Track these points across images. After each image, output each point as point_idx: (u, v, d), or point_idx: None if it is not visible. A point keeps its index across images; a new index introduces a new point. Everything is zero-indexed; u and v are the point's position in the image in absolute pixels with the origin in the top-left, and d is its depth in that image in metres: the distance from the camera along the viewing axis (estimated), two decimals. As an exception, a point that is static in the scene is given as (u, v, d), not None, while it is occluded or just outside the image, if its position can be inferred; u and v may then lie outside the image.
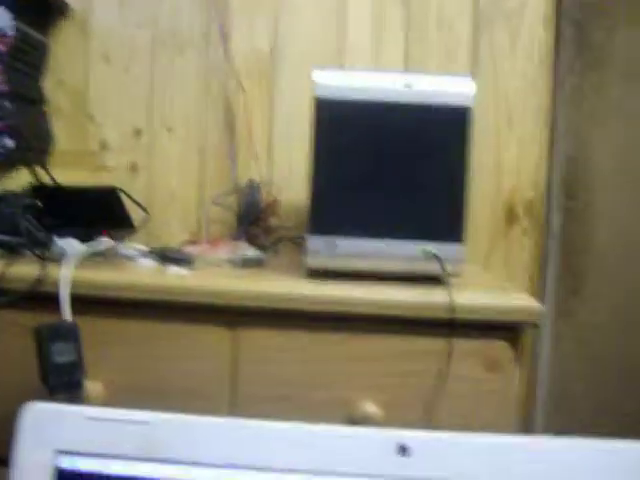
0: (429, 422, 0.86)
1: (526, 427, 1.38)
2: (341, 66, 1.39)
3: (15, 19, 1.22)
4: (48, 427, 0.44)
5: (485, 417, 0.91)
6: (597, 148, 1.35)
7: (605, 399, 1.34)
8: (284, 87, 1.40)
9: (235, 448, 0.43)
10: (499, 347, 0.91)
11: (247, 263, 1.06)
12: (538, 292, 1.38)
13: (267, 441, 0.44)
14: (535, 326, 0.91)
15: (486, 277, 1.20)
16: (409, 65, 1.39)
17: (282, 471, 0.43)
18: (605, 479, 0.45)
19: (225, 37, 1.38)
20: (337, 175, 0.93)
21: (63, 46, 1.42)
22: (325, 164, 0.93)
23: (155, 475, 0.42)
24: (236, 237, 1.30)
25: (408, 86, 0.92)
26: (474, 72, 1.38)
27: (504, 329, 0.91)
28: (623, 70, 1.35)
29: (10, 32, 1.21)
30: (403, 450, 0.44)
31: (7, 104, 1.20)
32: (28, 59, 1.32)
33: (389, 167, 0.93)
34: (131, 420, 0.43)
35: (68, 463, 0.43)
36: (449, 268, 0.91)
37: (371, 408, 0.90)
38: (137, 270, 0.99)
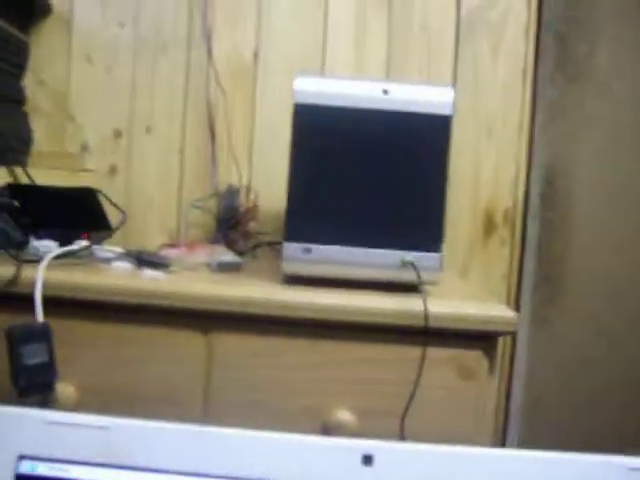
0: (403, 430, 0.86)
1: (501, 435, 1.39)
2: (323, 71, 1.39)
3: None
4: (8, 431, 0.43)
5: (460, 426, 0.91)
6: (575, 160, 1.36)
7: (580, 407, 1.34)
8: (266, 91, 1.40)
9: (195, 456, 0.43)
10: (474, 356, 0.91)
11: (224, 267, 1.06)
12: (515, 301, 1.39)
13: (229, 449, 0.43)
14: (510, 334, 0.92)
15: (463, 286, 1.20)
16: (391, 72, 1.39)
17: None
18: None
19: (208, 39, 1.38)
20: (314, 181, 0.93)
21: (45, 45, 1.41)
22: (303, 170, 0.93)
23: (115, 481, 0.42)
24: (215, 241, 1.30)
25: (386, 93, 0.92)
26: (455, 81, 1.38)
27: (479, 338, 0.92)
28: (604, 84, 1.36)
29: (-13, 29, 1.20)
30: (368, 460, 0.44)
31: (-15, 102, 1.19)
32: (8, 57, 1.31)
33: (367, 174, 0.93)
34: (91, 425, 0.43)
35: (28, 468, 0.43)
36: (425, 276, 0.91)
37: (345, 416, 0.90)
38: (112, 272, 0.98)
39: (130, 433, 0.43)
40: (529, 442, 1.35)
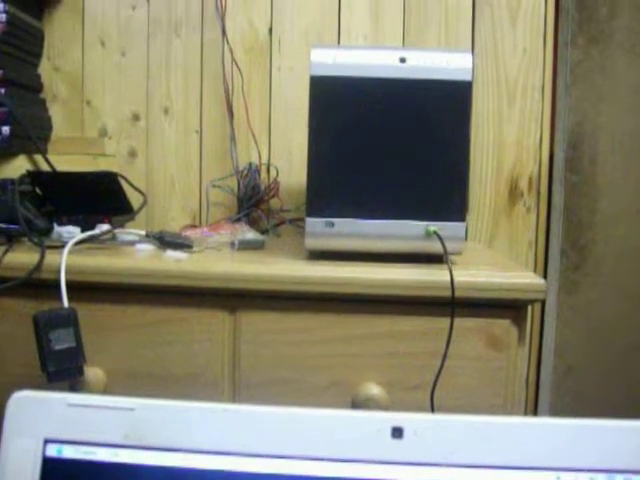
0: (433, 403, 0.85)
1: (532, 405, 1.38)
2: (339, 44, 1.37)
3: (7, 4, 1.21)
4: (34, 416, 0.43)
5: (490, 397, 0.90)
6: (600, 122, 1.33)
7: (612, 373, 1.33)
8: (282, 67, 1.38)
9: (223, 434, 0.42)
10: (503, 325, 0.90)
11: (247, 246, 1.05)
12: (542, 268, 1.37)
13: (256, 427, 0.43)
14: (539, 302, 0.90)
15: (489, 255, 1.18)
16: (408, 43, 1.37)
17: (272, 457, 0.42)
18: (604, 460, 0.44)
19: (222, 17, 1.36)
20: (334, 155, 0.92)
21: (58, 32, 1.41)
22: (322, 144, 0.92)
23: (142, 462, 0.42)
24: (237, 220, 1.30)
25: (403, 61, 0.90)
26: (474, 48, 1.36)
27: (508, 307, 0.90)
28: (626, 44, 1.33)
29: (2, 17, 1.20)
30: (398, 433, 0.44)
31: (2, 90, 1.19)
32: (22, 45, 1.31)
33: (387, 145, 0.91)
34: (116, 407, 0.42)
35: (54, 451, 0.43)
36: (450, 246, 0.90)
37: (374, 390, 0.90)
38: (135, 255, 0.98)
39: (156, 414, 0.43)
40: (561, 411, 1.34)
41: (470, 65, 0.91)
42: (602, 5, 1.33)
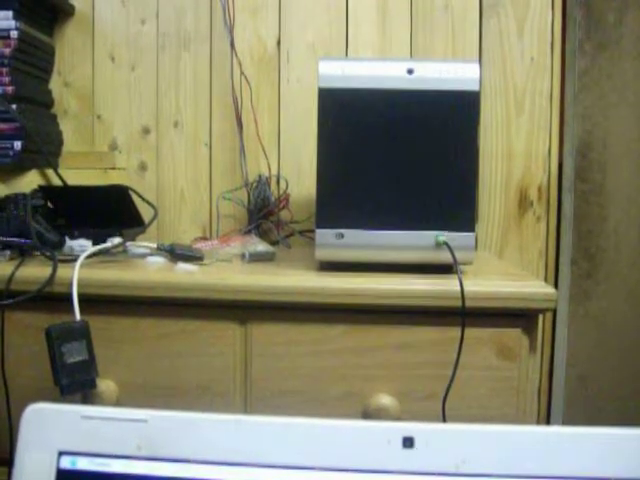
0: (444, 413, 0.85)
1: (545, 415, 1.37)
2: (347, 56, 1.38)
3: (18, 20, 1.22)
4: (48, 428, 0.43)
5: (502, 407, 0.90)
6: (609, 130, 1.33)
7: (624, 383, 1.32)
8: (290, 79, 1.39)
9: (235, 445, 0.43)
10: (514, 335, 0.90)
11: (258, 258, 1.06)
12: (553, 277, 1.37)
13: (269, 437, 0.43)
14: (550, 311, 0.90)
15: (499, 264, 1.18)
16: (415, 52, 1.37)
17: (284, 467, 0.42)
18: (619, 469, 0.44)
19: (230, 30, 1.37)
20: (343, 166, 0.92)
21: (69, 47, 1.42)
22: (331, 155, 0.92)
23: (156, 473, 0.42)
24: (247, 232, 1.30)
25: (411, 72, 0.91)
26: (482, 58, 1.36)
27: (519, 316, 0.90)
28: (634, 51, 1.33)
29: (13, 33, 1.22)
30: (409, 442, 0.44)
31: (14, 106, 1.20)
32: (34, 61, 1.32)
33: (396, 156, 0.92)
34: (129, 418, 0.43)
35: (69, 463, 0.43)
36: (460, 256, 0.90)
37: (385, 400, 0.90)
38: (147, 268, 0.98)
39: (168, 425, 0.43)
40: (574, 421, 1.33)
41: (477, 75, 0.91)
42: (609, 11, 1.33)
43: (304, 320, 0.92)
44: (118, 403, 0.92)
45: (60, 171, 1.26)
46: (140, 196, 1.14)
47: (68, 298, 0.88)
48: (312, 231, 1.26)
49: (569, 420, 1.34)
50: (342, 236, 0.93)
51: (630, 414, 1.30)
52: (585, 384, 1.34)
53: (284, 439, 0.43)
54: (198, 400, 0.92)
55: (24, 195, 1.06)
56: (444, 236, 0.91)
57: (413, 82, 0.91)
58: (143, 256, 1.04)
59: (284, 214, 1.35)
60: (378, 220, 0.92)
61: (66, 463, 0.43)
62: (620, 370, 1.33)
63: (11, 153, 1.20)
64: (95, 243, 1.01)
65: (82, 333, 0.86)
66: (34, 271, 0.92)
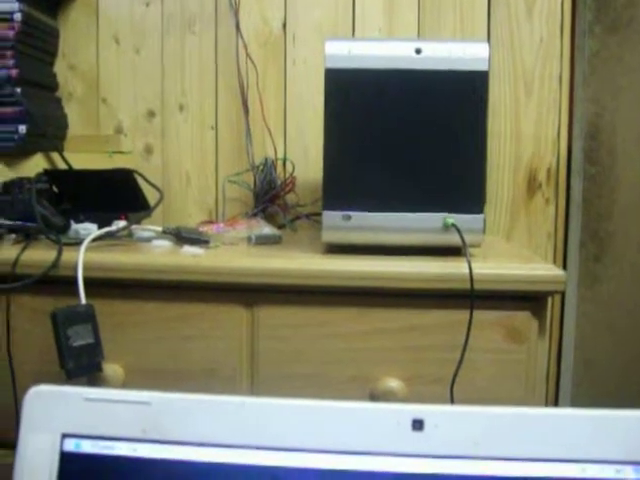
0: (452, 396, 0.84)
1: (553, 398, 1.37)
2: (353, 37, 1.36)
3: (22, 3, 1.21)
4: (51, 410, 0.43)
5: (510, 389, 0.90)
6: (618, 112, 1.31)
7: (630, 366, 1.31)
8: (296, 62, 1.38)
9: (241, 427, 0.42)
10: (523, 317, 0.89)
11: (264, 241, 1.05)
12: (562, 260, 1.36)
13: (275, 420, 0.42)
14: (559, 294, 0.89)
15: (507, 247, 1.17)
16: (423, 33, 1.36)
17: (291, 450, 0.42)
18: (631, 452, 0.43)
19: (235, 12, 1.36)
20: (350, 148, 0.91)
21: (73, 30, 1.41)
22: (338, 137, 0.91)
23: (160, 456, 0.41)
24: (253, 215, 1.29)
25: (419, 52, 0.89)
26: (490, 39, 1.34)
27: (527, 299, 0.89)
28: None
29: (17, 16, 1.20)
30: (418, 425, 0.43)
31: (18, 90, 1.19)
32: (38, 44, 1.31)
33: (404, 137, 0.91)
34: (133, 401, 0.42)
35: (72, 446, 0.42)
36: (469, 239, 0.89)
37: (393, 383, 0.89)
38: (152, 251, 0.98)
39: (172, 408, 0.42)
40: (582, 405, 1.32)
41: (486, 55, 0.90)
42: (619, -7, 1.31)
43: (310, 303, 0.91)
44: (124, 386, 0.92)
45: (65, 155, 1.25)
46: (146, 179, 1.13)
47: (73, 282, 0.87)
48: (318, 214, 1.25)
49: (577, 404, 1.33)
50: (349, 218, 0.92)
51: (637, 398, 1.29)
52: (593, 367, 1.33)
53: (290, 421, 0.42)
54: (204, 384, 0.92)
55: (29, 179, 1.05)
56: (452, 218, 0.90)
57: (421, 62, 0.89)
58: (149, 239, 1.03)
59: (290, 197, 1.34)
60: (385, 202, 0.91)
61: (70, 446, 0.42)
62: (627, 354, 1.32)
63: (16, 137, 1.19)
64: (100, 227, 1.00)
65: (88, 316, 0.86)
66: (39, 254, 0.91)
